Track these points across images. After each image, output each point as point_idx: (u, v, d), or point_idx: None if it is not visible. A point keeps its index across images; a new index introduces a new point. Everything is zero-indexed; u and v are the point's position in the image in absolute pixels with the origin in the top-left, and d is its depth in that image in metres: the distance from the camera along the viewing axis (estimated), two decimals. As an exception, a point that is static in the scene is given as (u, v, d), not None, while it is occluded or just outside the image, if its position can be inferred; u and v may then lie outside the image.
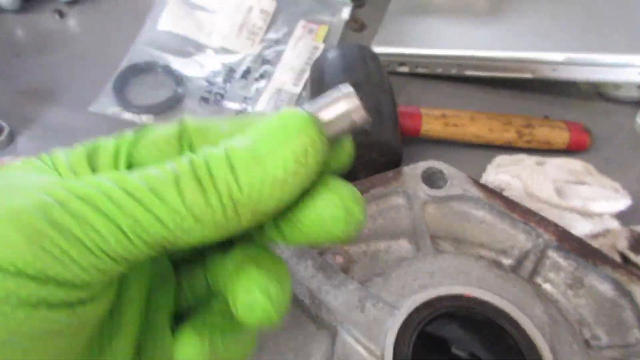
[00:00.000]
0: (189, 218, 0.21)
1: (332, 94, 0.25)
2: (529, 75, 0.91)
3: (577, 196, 0.77)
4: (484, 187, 0.54)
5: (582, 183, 0.83)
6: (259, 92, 0.92)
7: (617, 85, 0.99)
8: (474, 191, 0.54)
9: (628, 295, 0.48)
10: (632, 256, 0.76)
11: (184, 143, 0.26)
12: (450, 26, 0.98)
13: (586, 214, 0.74)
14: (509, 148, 0.87)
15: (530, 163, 0.81)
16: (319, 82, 0.82)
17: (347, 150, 0.27)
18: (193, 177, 0.21)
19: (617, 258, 0.75)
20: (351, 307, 0.45)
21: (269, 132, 0.22)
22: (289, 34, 1.03)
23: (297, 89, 0.93)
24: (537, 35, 0.91)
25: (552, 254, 0.51)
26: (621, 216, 0.81)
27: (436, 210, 0.54)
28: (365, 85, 0.79)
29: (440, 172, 0.55)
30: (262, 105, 0.91)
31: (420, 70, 0.97)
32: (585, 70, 0.86)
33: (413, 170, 0.55)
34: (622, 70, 0.84)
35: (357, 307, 0.45)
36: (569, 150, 0.90)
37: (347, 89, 0.26)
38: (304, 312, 0.47)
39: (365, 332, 0.44)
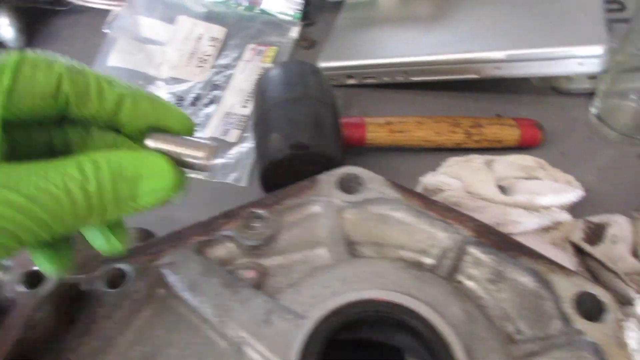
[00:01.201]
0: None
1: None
2: (475, 76, 0.90)
3: (523, 191, 0.75)
4: (402, 188, 0.53)
5: (533, 178, 0.81)
6: (208, 117, 0.93)
7: (568, 78, 0.98)
8: (391, 193, 0.53)
9: (548, 285, 0.46)
10: (587, 247, 0.74)
11: (60, 100, 0.31)
12: (395, 35, 0.98)
13: (532, 208, 0.72)
14: (459, 149, 0.86)
15: (479, 162, 0.80)
16: (260, 100, 0.82)
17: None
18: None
19: (570, 250, 0.73)
20: (257, 321, 0.44)
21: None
22: (238, 58, 1.03)
23: (246, 110, 0.93)
24: (479, 36, 0.91)
25: (472, 250, 0.50)
26: (577, 208, 0.80)
27: (354, 216, 0.53)
28: (304, 99, 0.79)
29: (357, 177, 0.54)
30: (211, 129, 0.91)
31: (369, 80, 0.97)
32: (527, 65, 0.85)
33: (329, 178, 0.54)
34: (562, 62, 0.83)
35: (264, 320, 0.44)
36: (522, 147, 0.89)
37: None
38: (213, 331, 0.46)
39: (271, 346, 0.43)
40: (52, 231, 0.29)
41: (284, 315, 0.44)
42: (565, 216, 0.73)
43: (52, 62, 0.31)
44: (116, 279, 0.47)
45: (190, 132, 0.36)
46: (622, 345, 0.42)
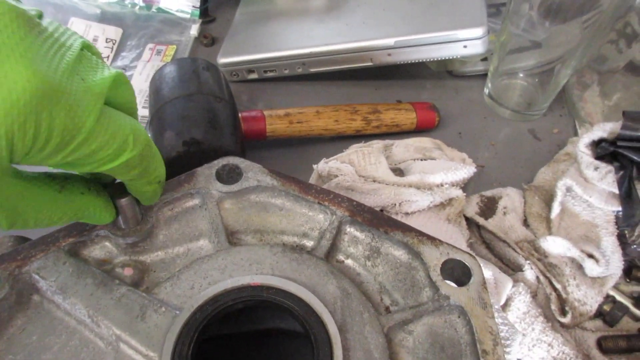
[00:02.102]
0: None
1: None
2: (369, 63, 0.93)
3: (418, 172, 0.78)
4: (280, 175, 0.54)
5: (429, 159, 0.85)
6: (106, 120, 0.89)
7: (461, 62, 1.03)
8: (269, 180, 0.53)
9: (418, 256, 0.49)
10: (481, 220, 0.78)
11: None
12: (291, 28, 0.99)
13: (425, 187, 0.75)
14: (360, 136, 0.89)
15: (378, 146, 0.82)
16: (155, 98, 0.81)
17: None
18: None
19: (464, 225, 0.77)
20: (131, 317, 0.44)
21: None
22: (137, 59, 1.01)
23: (146, 111, 0.91)
24: (370, 25, 0.94)
25: (349, 229, 0.52)
26: (473, 184, 0.84)
27: (233, 206, 0.53)
28: (197, 95, 0.78)
29: (237, 167, 0.55)
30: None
31: (269, 74, 0.97)
32: (415, 50, 0.89)
33: (207, 170, 0.54)
34: (448, 46, 0.87)
35: (138, 316, 0.44)
36: (420, 130, 0.92)
37: None
38: (90, 331, 0.45)
39: (146, 340, 0.42)
40: None
41: (159, 309, 0.44)
42: (456, 192, 0.76)
43: None
44: (-22, 289, 0.45)
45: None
46: (485, 305, 0.45)
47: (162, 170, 0.44)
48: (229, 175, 0.55)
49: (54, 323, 0.46)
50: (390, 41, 0.88)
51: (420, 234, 0.50)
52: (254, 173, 0.54)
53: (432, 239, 0.49)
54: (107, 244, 0.50)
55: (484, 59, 1.03)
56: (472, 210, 0.80)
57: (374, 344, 0.44)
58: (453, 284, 0.47)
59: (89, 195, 0.41)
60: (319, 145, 0.89)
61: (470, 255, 0.48)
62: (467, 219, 0.78)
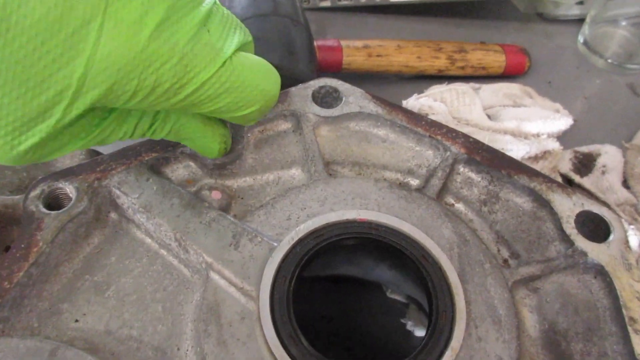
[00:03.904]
0: None
1: None
2: (458, -4, 0.83)
3: (512, 118, 0.70)
4: (384, 102, 0.47)
5: (519, 106, 0.77)
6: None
7: (556, 4, 0.92)
8: (372, 107, 0.47)
9: (547, 205, 0.42)
10: (577, 178, 0.70)
11: None
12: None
13: (521, 136, 0.68)
14: (442, 77, 0.81)
15: (462, 88, 0.74)
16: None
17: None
18: None
19: (560, 181, 0.69)
20: (223, 245, 0.39)
21: None
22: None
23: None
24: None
25: (463, 169, 0.45)
26: (564, 138, 0.76)
27: (331, 133, 0.47)
28: (272, 16, 0.71)
29: (335, 90, 0.48)
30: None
31: (344, 2, 0.89)
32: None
33: (302, 91, 0.48)
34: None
35: (231, 244, 0.39)
36: (507, 75, 0.84)
37: None
38: (175, 257, 0.40)
39: (239, 271, 0.37)
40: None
41: (254, 239, 0.39)
42: (553, 144, 0.68)
43: None
44: (58, 200, 0.40)
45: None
46: (630, 266, 0.39)
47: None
48: (325, 99, 0.49)
49: (133, 245, 0.41)
50: (486, -29, 0.79)
51: (549, 180, 0.43)
52: (355, 98, 0.47)
53: (564, 187, 0.43)
54: (192, 163, 0.44)
55: (580, 2, 0.93)
56: (566, 166, 0.72)
57: (498, 299, 0.38)
58: (589, 240, 0.40)
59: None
60: (397, 83, 0.82)
61: (609, 208, 0.41)
62: (560, 175, 0.71)
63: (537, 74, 0.86)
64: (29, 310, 0.37)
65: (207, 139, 0.39)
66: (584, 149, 0.74)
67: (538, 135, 0.69)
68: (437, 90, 0.68)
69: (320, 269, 0.51)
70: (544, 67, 0.87)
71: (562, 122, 0.71)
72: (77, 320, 0.38)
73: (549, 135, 0.70)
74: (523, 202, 0.43)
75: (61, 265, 0.39)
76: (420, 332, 0.56)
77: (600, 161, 0.72)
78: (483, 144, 0.45)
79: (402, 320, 0.57)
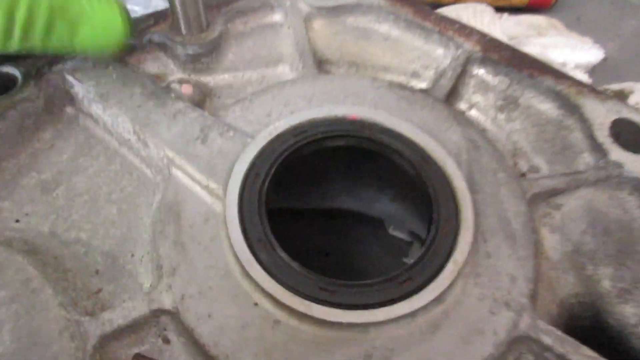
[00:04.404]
0: None
1: None
2: None
3: (536, 45, 0.63)
4: (389, -6, 0.40)
5: (544, 36, 0.69)
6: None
7: None
8: (375, -2, 0.40)
9: (576, 111, 0.35)
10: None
11: None
12: None
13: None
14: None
15: (481, 7, 0.67)
16: None
17: None
18: None
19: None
20: (188, 139, 0.33)
21: None
22: None
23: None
24: None
25: (478, 70, 0.39)
26: (593, 74, 0.68)
27: (325, 28, 0.41)
28: None
29: (332, -21, 0.41)
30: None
31: None
32: None
33: (294, -22, 0.41)
34: None
35: (197, 138, 0.33)
36: (532, 7, 0.76)
37: None
38: (135, 155, 0.35)
39: (205, 167, 0.31)
40: None
41: (225, 133, 0.33)
42: (582, 77, 0.61)
43: None
44: (3, 85, 0.35)
45: None
46: (672, 181, 0.32)
47: None
48: (321, -9, 0.42)
49: (90, 142, 0.36)
50: None
51: (579, 83, 0.36)
52: (355, -12, 0.41)
53: (596, 91, 0.36)
54: (162, 55, 0.38)
55: None
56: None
57: (513, 212, 0.32)
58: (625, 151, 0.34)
59: None
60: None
61: (651, 115, 0.35)
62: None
63: (565, 8, 0.78)
64: (-38, 207, 0.32)
65: (102, 7, 0.31)
66: (616, 86, 0.67)
67: (564, 64, 0.61)
68: (454, 7, 0.61)
69: (316, 200, 0.45)
70: (573, 1, 0.79)
71: (592, 54, 0.64)
72: (17, 220, 0.32)
73: (577, 67, 0.63)
74: (547, 108, 0.37)
75: (4, 160, 0.34)
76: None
77: (633, 98, 0.64)
78: (501, 41, 0.38)
79: (405, 260, 0.52)
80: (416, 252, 0.51)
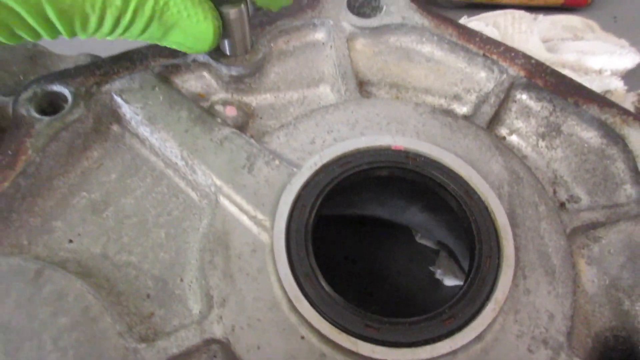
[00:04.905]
0: None
1: None
2: None
3: (572, 51, 0.62)
4: (432, 14, 0.40)
5: (580, 39, 0.68)
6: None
7: None
8: (418, 19, 0.40)
9: (619, 141, 0.35)
10: (638, 123, 0.63)
11: None
12: None
13: (582, 70, 0.60)
14: (494, 6, 0.72)
15: (519, 13, 0.66)
16: None
17: None
18: None
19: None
20: (235, 167, 0.33)
21: None
22: None
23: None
24: None
25: (521, 95, 0.38)
26: (628, 78, 0.67)
27: (367, 48, 0.41)
28: None
29: (375, -2, 0.41)
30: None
31: None
32: None
33: (337, -4, 0.41)
34: None
35: (244, 166, 0.33)
36: (568, 7, 0.75)
37: None
38: (181, 178, 0.35)
39: (252, 197, 0.32)
40: (56, 33, 0.29)
41: (271, 162, 0.34)
42: (617, 83, 0.60)
43: None
44: (52, 105, 0.36)
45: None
46: None
47: None
48: (362, 8, 0.42)
49: (137, 162, 0.36)
50: None
51: (625, 111, 0.36)
52: (397, 7, 0.41)
53: (642, 122, 0.36)
54: (206, 74, 0.38)
55: None
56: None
57: (553, 247, 0.32)
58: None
59: None
60: (447, 10, 0.73)
61: (696, 150, 0.34)
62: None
63: (601, 7, 0.76)
64: (18, 226, 0.33)
65: (198, 17, 0.32)
66: (652, 90, 0.66)
67: (600, 71, 0.61)
68: (491, 13, 0.60)
69: (345, 207, 0.46)
70: (610, 1, 0.77)
71: (629, 58, 0.63)
72: (71, 241, 0.33)
73: (613, 73, 0.62)
74: (590, 136, 0.37)
75: (55, 178, 0.35)
76: (450, 282, 0.51)
77: (668, 105, 0.63)
78: (547, 66, 0.38)
79: (431, 268, 0.52)
80: (443, 261, 0.52)
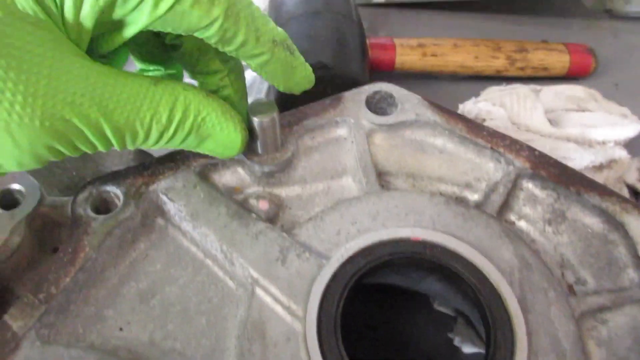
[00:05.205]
0: None
1: None
2: (520, -9, 0.79)
3: (575, 124, 0.66)
4: (443, 110, 0.44)
5: (583, 110, 0.72)
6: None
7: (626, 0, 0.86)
8: (430, 115, 0.44)
9: (620, 228, 0.39)
10: (645, 190, 0.66)
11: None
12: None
13: (586, 143, 0.64)
14: (500, 78, 0.77)
15: (523, 91, 0.70)
16: (275, 13, 0.72)
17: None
18: None
19: (626, 192, 0.65)
20: (270, 259, 0.37)
21: None
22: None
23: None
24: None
25: (527, 184, 0.42)
26: (630, 145, 0.71)
27: (385, 142, 0.45)
28: (325, 13, 0.69)
29: (390, 95, 0.46)
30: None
31: (397, -2, 0.86)
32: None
33: (356, 96, 0.45)
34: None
35: (278, 259, 0.37)
36: (571, 76, 0.79)
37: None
38: (220, 268, 0.39)
39: (286, 289, 0.36)
40: (110, 146, 0.32)
41: (302, 254, 0.37)
42: (620, 153, 0.64)
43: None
44: (105, 204, 0.40)
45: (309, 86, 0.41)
46: None
47: (276, 30, 0.37)
48: (379, 104, 0.46)
49: (179, 252, 0.40)
50: (553, -34, 0.74)
51: (624, 199, 0.39)
52: (411, 105, 0.45)
53: (640, 209, 0.39)
54: (240, 170, 0.43)
55: (654, -1, 0.86)
56: (633, 176, 0.67)
57: (563, 331, 0.35)
58: (667, 270, 0.37)
59: (199, 94, 0.35)
60: (451, 83, 0.78)
61: (692, 235, 0.37)
62: (626, 186, 0.66)
63: (603, 75, 0.81)
64: (74, 316, 0.37)
65: (229, 129, 0.36)
66: (654, 158, 0.69)
67: (604, 142, 0.64)
68: (497, 94, 0.64)
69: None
70: (611, 69, 0.81)
71: (631, 128, 0.66)
72: (121, 329, 0.37)
73: (616, 143, 0.65)
74: (593, 223, 0.40)
75: (107, 270, 0.39)
76: (468, 349, 0.53)
77: (672, 171, 0.67)
78: (550, 157, 0.42)
79: (450, 335, 0.55)
80: (461, 328, 0.54)
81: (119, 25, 0.31)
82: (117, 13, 0.29)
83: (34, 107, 0.27)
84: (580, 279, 0.39)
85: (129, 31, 0.31)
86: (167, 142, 0.34)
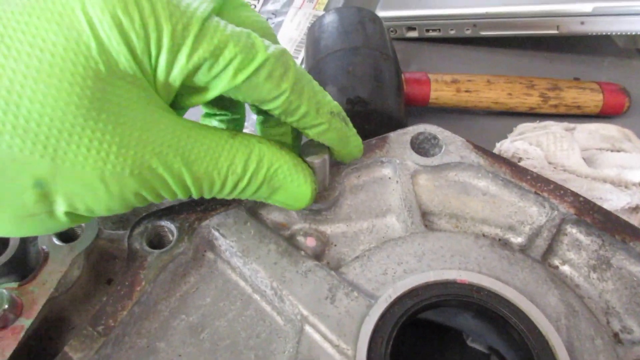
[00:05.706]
0: None
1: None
2: (553, 32, 0.80)
3: (611, 165, 0.66)
4: (486, 153, 0.45)
5: (618, 150, 0.72)
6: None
7: (660, 39, 0.87)
8: (474, 157, 0.45)
9: (666, 276, 0.39)
10: (679, 232, 0.65)
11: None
12: (463, -17, 0.88)
13: (622, 185, 0.64)
14: (533, 115, 0.78)
15: (556, 129, 0.71)
16: (314, 49, 0.74)
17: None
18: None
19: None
20: (319, 298, 0.38)
21: None
22: (288, 4, 0.95)
23: (297, 61, 0.85)
24: (560, -15, 0.80)
25: (571, 230, 0.42)
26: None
27: (429, 182, 0.46)
28: (363, 49, 0.70)
29: (434, 137, 0.47)
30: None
31: (431, 34, 0.88)
32: (617, 21, 0.75)
33: (401, 137, 0.47)
34: (661, 18, 0.72)
35: (327, 297, 0.38)
36: (604, 115, 0.80)
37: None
38: (268, 303, 0.40)
39: (335, 327, 0.37)
40: (189, 194, 0.34)
41: (350, 294, 0.38)
42: (657, 195, 0.64)
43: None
44: (160, 238, 0.41)
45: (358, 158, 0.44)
46: None
47: (333, 103, 0.38)
48: (422, 145, 0.47)
49: (228, 287, 0.41)
50: (587, 7, 0.75)
51: (670, 249, 0.40)
52: (456, 147, 0.46)
53: (686, 259, 0.39)
54: (288, 207, 0.44)
55: (687, 39, 0.87)
56: (669, 218, 0.67)
57: (612, 381, 0.35)
58: None
59: (272, 147, 0.36)
60: (484, 119, 0.79)
61: None
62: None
63: (636, 114, 0.81)
64: (128, 347, 0.38)
65: (300, 181, 0.38)
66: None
67: (640, 184, 0.64)
68: (533, 133, 0.65)
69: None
70: (643, 108, 0.81)
71: (667, 170, 0.66)
72: (172, 361, 0.38)
73: (653, 185, 0.65)
74: (638, 270, 0.40)
75: (160, 303, 0.40)
76: (502, 388, 0.53)
77: None
78: (594, 204, 0.42)
79: (483, 374, 0.55)
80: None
81: (200, 88, 0.33)
82: (200, 79, 0.31)
83: (126, 157, 0.29)
84: (626, 327, 0.39)
85: (208, 95, 0.33)
86: (241, 191, 0.36)
